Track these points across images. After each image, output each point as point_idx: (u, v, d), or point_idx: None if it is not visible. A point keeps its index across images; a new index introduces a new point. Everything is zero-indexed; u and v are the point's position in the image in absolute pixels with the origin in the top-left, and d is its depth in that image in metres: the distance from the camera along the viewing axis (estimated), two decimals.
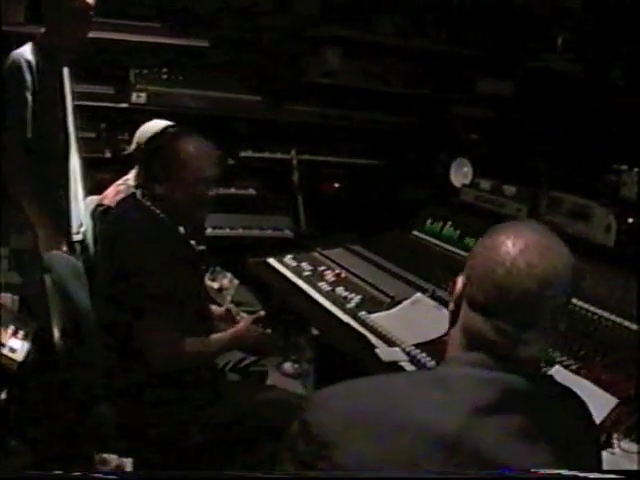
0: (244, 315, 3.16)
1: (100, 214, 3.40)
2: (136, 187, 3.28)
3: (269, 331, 2.93)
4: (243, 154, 5.31)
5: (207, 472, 1.48)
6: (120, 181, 3.57)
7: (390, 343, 2.64)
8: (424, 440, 1.30)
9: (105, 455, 3.47)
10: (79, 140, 3.72)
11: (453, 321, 1.48)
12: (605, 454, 1.93)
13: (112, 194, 3.48)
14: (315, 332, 3.97)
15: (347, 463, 1.30)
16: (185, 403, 2.64)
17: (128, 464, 3.35)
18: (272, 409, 2.64)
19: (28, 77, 3.33)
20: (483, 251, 1.43)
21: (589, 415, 1.52)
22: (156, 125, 3.40)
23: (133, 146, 3.58)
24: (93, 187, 3.77)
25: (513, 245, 1.37)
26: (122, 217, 2.78)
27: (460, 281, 1.47)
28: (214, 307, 3.18)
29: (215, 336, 2.73)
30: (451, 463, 1.29)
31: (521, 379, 1.36)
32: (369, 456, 1.30)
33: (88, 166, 3.84)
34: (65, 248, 3.39)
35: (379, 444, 1.31)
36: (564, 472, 1.31)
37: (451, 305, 1.50)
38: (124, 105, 4.93)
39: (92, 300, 2.79)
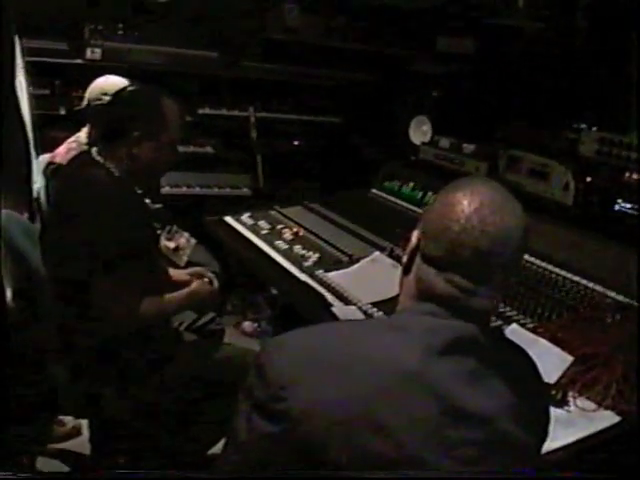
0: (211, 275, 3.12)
1: (52, 172, 3.32)
2: (89, 144, 3.21)
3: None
4: (201, 111, 5.24)
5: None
6: (72, 138, 3.49)
7: (347, 301, 2.62)
8: (383, 376, 1.33)
9: (61, 417, 3.46)
10: (31, 97, 3.62)
11: (406, 271, 1.52)
12: (561, 412, 1.95)
13: (64, 152, 3.40)
14: (274, 291, 3.95)
15: (304, 403, 1.31)
16: (141, 363, 2.61)
17: (84, 426, 3.33)
18: (229, 366, 2.63)
19: None
20: (439, 207, 1.45)
21: (536, 368, 1.56)
22: (107, 81, 3.32)
23: (84, 103, 3.49)
24: (48, 145, 3.68)
25: (469, 204, 1.40)
26: (74, 174, 2.71)
27: (415, 235, 1.50)
28: (177, 271, 3.13)
29: (170, 296, 2.70)
30: (410, 399, 1.32)
31: (472, 327, 1.40)
32: (327, 394, 1.32)
33: (42, 123, 3.75)
34: (26, 214, 3.31)
35: (336, 382, 1.32)
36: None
37: (405, 257, 1.53)
38: (79, 61, 4.81)
39: (44, 259, 2.74)
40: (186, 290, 2.76)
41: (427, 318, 1.40)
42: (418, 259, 1.48)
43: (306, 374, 1.34)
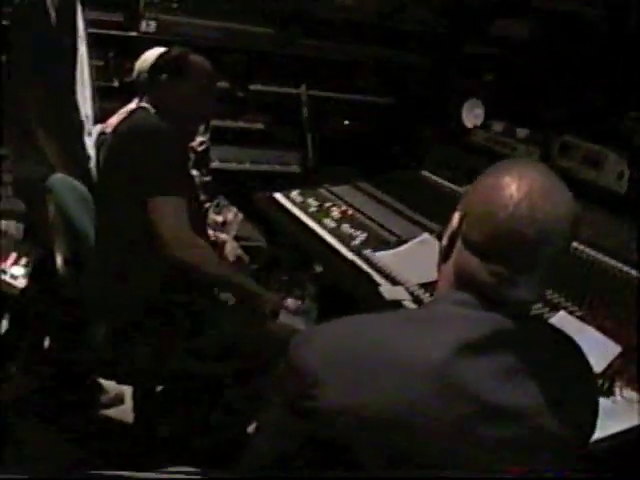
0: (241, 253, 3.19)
1: (103, 141, 3.35)
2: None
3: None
4: (253, 87, 5.24)
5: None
6: (123, 109, 3.51)
7: (394, 282, 2.61)
8: (412, 376, 1.27)
9: (104, 382, 3.50)
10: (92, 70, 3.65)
11: (445, 257, 1.43)
12: (607, 402, 1.93)
13: (115, 122, 3.42)
14: (319, 269, 3.95)
15: (334, 402, 1.27)
16: (175, 329, 2.64)
17: (127, 393, 3.37)
18: (266, 342, 2.62)
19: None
20: (484, 190, 1.36)
21: (584, 359, 1.49)
22: (157, 52, 3.34)
23: (135, 74, 3.51)
24: (101, 116, 3.72)
25: (517, 188, 1.31)
26: (124, 123, 2.84)
27: (457, 216, 1.41)
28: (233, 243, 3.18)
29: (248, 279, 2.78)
30: (437, 398, 1.26)
31: (511, 320, 1.32)
32: (356, 394, 1.27)
33: (96, 95, 3.79)
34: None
35: (366, 382, 1.27)
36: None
37: (445, 240, 1.44)
38: (133, 33, 4.84)
39: (97, 227, 2.78)
40: (262, 293, 2.75)
41: (462, 310, 1.33)
42: (459, 243, 1.39)
43: (334, 372, 1.29)
